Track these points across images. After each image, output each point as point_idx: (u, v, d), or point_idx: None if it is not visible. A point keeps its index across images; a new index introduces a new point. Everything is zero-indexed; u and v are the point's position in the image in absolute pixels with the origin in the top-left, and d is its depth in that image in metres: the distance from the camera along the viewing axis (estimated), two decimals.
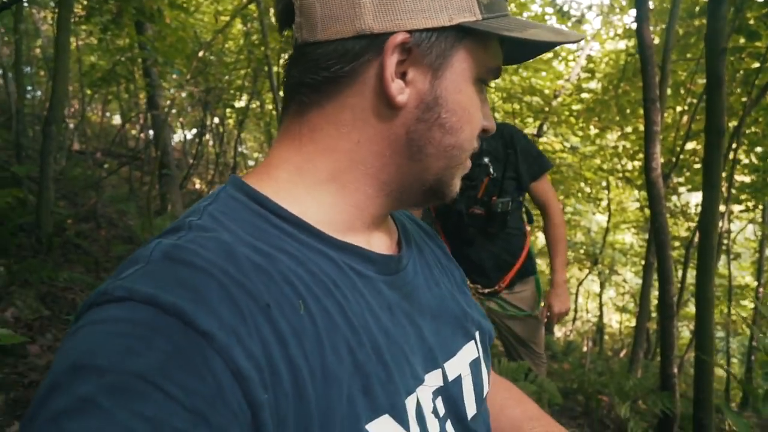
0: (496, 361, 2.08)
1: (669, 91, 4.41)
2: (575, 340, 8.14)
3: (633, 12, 4.59)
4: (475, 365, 0.57)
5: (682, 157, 4.63)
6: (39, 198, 3.48)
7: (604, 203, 7.96)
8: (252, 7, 5.48)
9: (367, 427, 0.40)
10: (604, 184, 7.44)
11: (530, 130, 6.78)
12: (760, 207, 5.50)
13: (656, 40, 4.56)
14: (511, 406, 0.67)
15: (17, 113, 5.24)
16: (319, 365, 0.39)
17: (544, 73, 6.12)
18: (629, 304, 9.71)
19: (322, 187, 0.47)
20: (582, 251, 8.89)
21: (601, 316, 9.00)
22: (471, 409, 0.54)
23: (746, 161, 4.92)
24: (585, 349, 7.01)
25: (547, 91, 6.24)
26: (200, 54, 5.05)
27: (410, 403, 0.45)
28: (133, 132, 10.01)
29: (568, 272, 9.28)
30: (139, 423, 0.30)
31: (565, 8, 6.01)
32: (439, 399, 0.50)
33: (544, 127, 6.66)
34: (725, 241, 5.22)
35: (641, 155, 4.93)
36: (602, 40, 6.45)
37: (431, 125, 0.47)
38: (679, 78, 4.86)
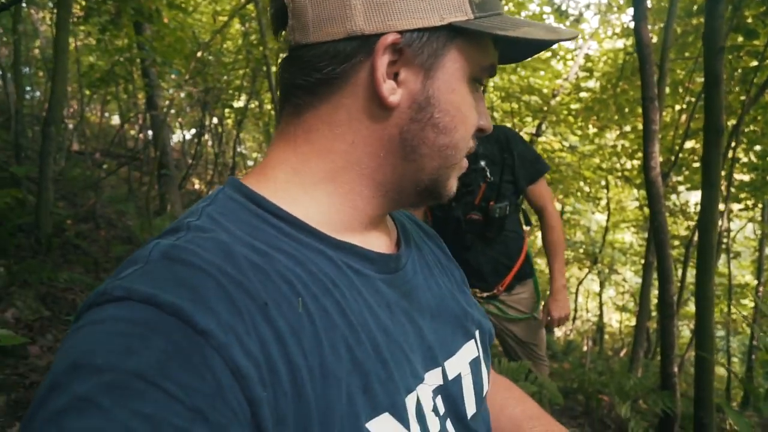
0: (496, 362, 2.08)
1: (667, 90, 4.41)
2: (575, 340, 8.15)
3: (631, 11, 4.59)
4: (475, 364, 0.57)
5: (681, 155, 4.63)
6: (38, 198, 3.48)
7: (603, 202, 7.97)
8: (250, 7, 5.47)
9: (367, 425, 0.40)
10: (603, 183, 7.44)
11: (529, 129, 6.79)
12: (760, 205, 5.51)
13: (654, 39, 4.56)
14: (511, 406, 0.67)
15: (16, 114, 5.24)
16: (317, 364, 0.39)
17: (542, 73, 6.12)
18: (629, 303, 9.71)
19: (319, 188, 0.48)
20: (581, 250, 8.89)
21: (601, 316, 9.00)
22: (471, 408, 0.54)
23: (745, 160, 4.92)
24: (585, 348, 7.01)
25: (545, 91, 6.24)
26: (199, 54, 5.05)
27: (410, 402, 0.45)
28: (132, 132, 10.01)
29: (568, 271, 9.29)
30: (138, 421, 0.30)
31: (563, 7, 6.02)
32: (439, 398, 0.50)
33: (543, 127, 6.67)
34: (725, 240, 5.23)
35: (640, 154, 4.94)
36: (600, 39, 6.45)
37: (424, 125, 0.47)
38: (678, 77, 4.86)
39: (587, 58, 6.26)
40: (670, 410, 2.60)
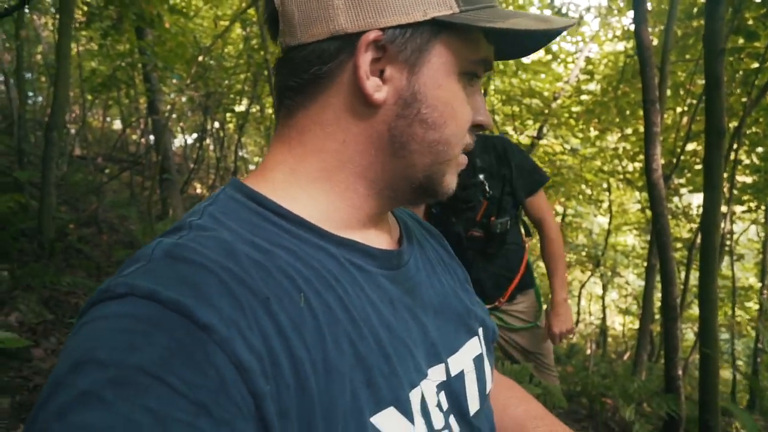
0: (498, 364, 2.07)
1: (668, 93, 4.41)
2: (578, 343, 8.12)
3: (631, 13, 4.60)
4: (478, 361, 0.57)
5: (682, 158, 4.63)
6: (41, 203, 3.49)
7: (605, 205, 7.96)
8: (251, 11, 5.50)
9: (371, 419, 0.40)
10: (605, 185, 7.44)
11: (530, 132, 6.79)
12: (763, 208, 5.49)
13: (655, 42, 4.57)
14: (514, 405, 0.67)
15: (19, 119, 5.26)
16: (320, 358, 0.39)
17: (543, 75, 6.13)
18: (632, 306, 9.68)
19: (316, 187, 0.48)
20: (584, 253, 8.88)
21: (604, 319, 8.98)
22: (474, 405, 0.54)
23: (748, 162, 4.91)
24: (588, 351, 6.99)
25: (546, 93, 6.25)
26: (200, 59, 5.07)
27: (414, 397, 0.45)
28: (134, 137, 10.04)
29: (570, 275, 9.28)
30: (142, 415, 0.30)
31: (563, 10, 6.03)
32: (442, 394, 0.50)
33: (544, 130, 6.67)
34: (728, 242, 5.21)
35: (642, 156, 4.92)
36: (601, 41, 6.46)
37: (411, 121, 0.46)
38: (679, 79, 4.86)
39: (588, 60, 6.28)
40: (674, 413, 2.59)
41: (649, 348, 5.46)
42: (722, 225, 4.12)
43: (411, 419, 0.43)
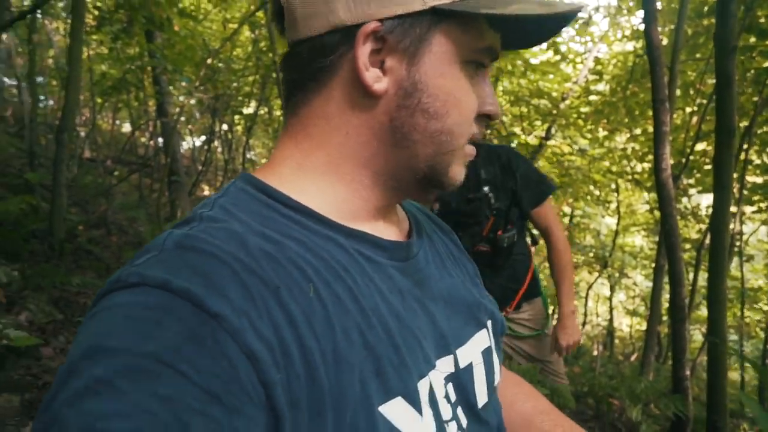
0: (506, 363, 2.06)
1: (678, 92, 4.38)
2: (585, 344, 8.06)
3: (640, 13, 4.57)
4: (487, 354, 0.57)
5: (692, 158, 4.59)
6: (52, 204, 3.53)
7: (613, 206, 7.90)
8: (260, 14, 5.53)
9: (380, 409, 0.41)
10: (613, 186, 7.39)
11: (538, 132, 6.76)
12: None
13: (665, 41, 4.54)
14: (521, 401, 0.67)
15: (31, 122, 5.33)
16: (330, 349, 0.40)
17: (551, 76, 6.10)
18: (640, 307, 9.60)
19: (324, 179, 0.48)
20: (591, 254, 8.82)
21: (611, 320, 8.91)
22: (482, 398, 0.54)
23: (758, 162, 4.86)
24: (595, 353, 6.94)
25: (554, 94, 6.22)
26: (209, 61, 5.10)
27: (423, 387, 0.45)
28: (143, 139, 10.11)
29: (578, 275, 9.21)
30: (154, 402, 0.31)
31: None
32: (450, 385, 0.50)
33: (553, 130, 6.64)
34: (737, 243, 5.15)
35: (650, 157, 4.89)
36: (610, 41, 6.42)
37: (413, 111, 0.46)
38: (689, 78, 4.82)
39: (597, 61, 6.24)
40: (682, 413, 2.57)
41: (657, 349, 5.41)
42: (732, 225, 4.08)
43: (419, 410, 0.43)
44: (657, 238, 5.34)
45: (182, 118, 6.98)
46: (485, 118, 0.51)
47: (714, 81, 2.78)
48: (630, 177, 6.46)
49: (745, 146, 3.93)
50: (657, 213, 5.81)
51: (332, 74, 0.47)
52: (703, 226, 5.71)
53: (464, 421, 0.51)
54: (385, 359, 0.42)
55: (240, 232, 0.41)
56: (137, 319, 0.34)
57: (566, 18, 0.48)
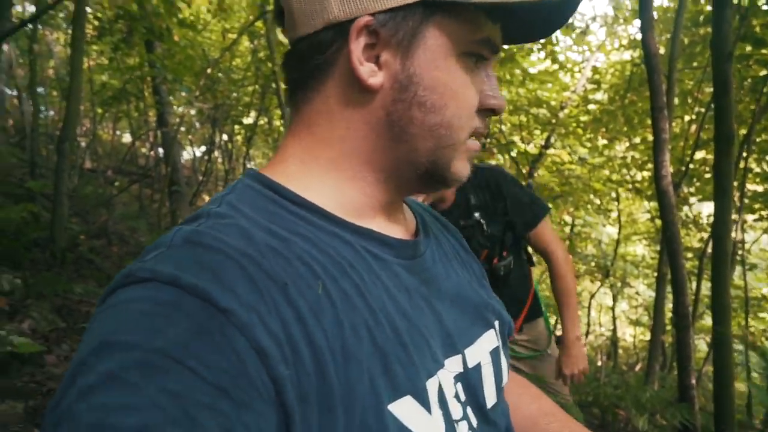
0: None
1: (676, 101, 4.40)
2: (589, 354, 8.02)
3: (637, 22, 4.61)
4: (495, 354, 0.56)
5: (691, 166, 4.60)
6: (53, 214, 3.53)
7: (614, 215, 7.91)
8: (259, 24, 5.57)
9: (389, 407, 0.40)
10: (613, 195, 7.40)
11: (538, 141, 6.79)
12: None
13: (662, 50, 4.57)
14: (527, 403, 0.66)
15: (32, 132, 5.35)
16: (339, 345, 0.39)
17: (549, 85, 6.14)
18: (643, 317, 9.56)
19: (329, 176, 0.48)
20: (593, 264, 8.80)
21: (614, 330, 8.87)
22: (491, 399, 0.54)
23: (758, 170, 4.87)
24: (599, 363, 6.91)
25: (553, 103, 6.25)
26: (208, 71, 5.14)
27: (431, 386, 0.44)
28: (143, 150, 10.15)
29: (580, 285, 9.17)
30: (164, 397, 0.30)
31: (569, 20, 6.05)
32: (459, 385, 0.50)
33: (552, 139, 6.67)
34: (740, 252, 5.15)
35: (650, 165, 4.91)
36: (607, 51, 6.48)
37: (409, 104, 0.46)
38: (686, 87, 4.85)
39: (594, 70, 6.29)
40: (688, 423, 2.54)
41: (661, 359, 5.38)
42: (733, 234, 4.08)
43: (428, 409, 0.43)
44: (659, 247, 5.34)
45: (182, 128, 7.01)
46: (489, 112, 0.50)
47: (711, 89, 2.79)
48: (630, 186, 6.47)
49: (745, 154, 3.95)
50: (658, 222, 5.82)
51: (329, 71, 0.47)
52: (705, 235, 5.71)
53: (474, 421, 0.50)
54: (393, 357, 0.42)
55: (247, 228, 0.41)
56: (147, 314, 0.34)
57: (564, 6, 0.47)
